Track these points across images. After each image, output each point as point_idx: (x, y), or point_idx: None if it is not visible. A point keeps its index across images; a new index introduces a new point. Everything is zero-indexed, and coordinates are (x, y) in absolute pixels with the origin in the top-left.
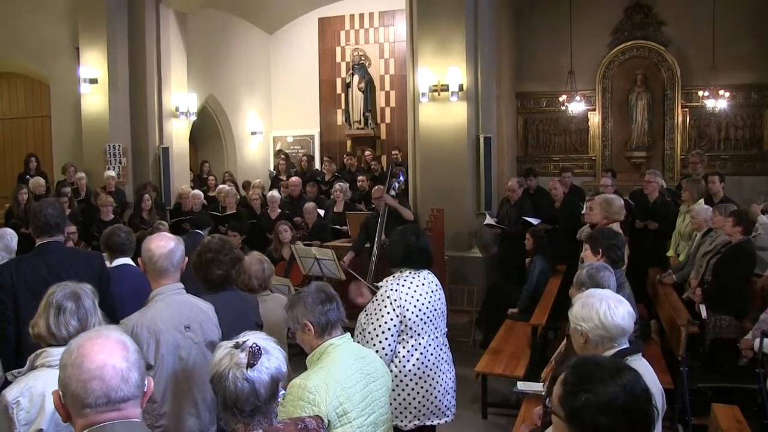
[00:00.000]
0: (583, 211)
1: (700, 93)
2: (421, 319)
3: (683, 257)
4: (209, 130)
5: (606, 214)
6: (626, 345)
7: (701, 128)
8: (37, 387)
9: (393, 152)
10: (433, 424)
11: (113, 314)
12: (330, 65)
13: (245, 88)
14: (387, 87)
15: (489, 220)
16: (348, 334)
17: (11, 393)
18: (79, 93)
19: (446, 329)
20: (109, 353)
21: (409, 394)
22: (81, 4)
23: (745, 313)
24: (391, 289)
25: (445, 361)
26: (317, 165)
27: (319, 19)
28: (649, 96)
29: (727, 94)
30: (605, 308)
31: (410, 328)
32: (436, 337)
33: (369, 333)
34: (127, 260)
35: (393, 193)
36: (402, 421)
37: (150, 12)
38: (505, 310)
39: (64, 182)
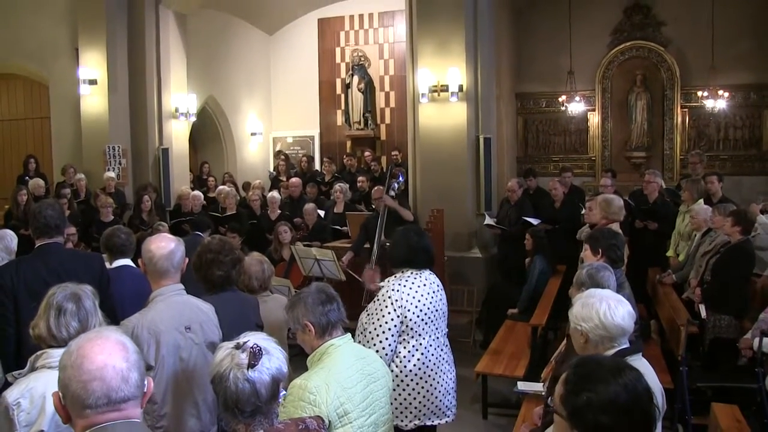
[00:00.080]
0: (583, 212)
1: (700, 93)
2: (422, 320)
3: (683, 257)
4: (209, 131)
5: (605, 214)
6: (626, 345)
7: (700, 128)
8: (37, 388)
9: (393, 153)
10: (433, 424)
11: (113, 315)
12: (330, 66)
13: (245, 89)
14: (387, 88)
15: (488, 220)
16: (348, 335)
17: (12, 394)
18: (79, 94)
19: (447, 329)
20: (109, 354)
21: (409, 394)
22: (80, 5)
23: (744, 312)
24: (393, 290)
25: (446, 361)
26: (317, 166)
27: (318, 19)
28: (648, 96)
29: (726, 95)
30: (605, 308)
31: (411, 329)
32: (437, 338)
33: (370, 333)
34: (127, 261)
35: (392, 193)
36: (402, 420)
37: (149, 13)
38: (505, 310)
39: (63, 183)
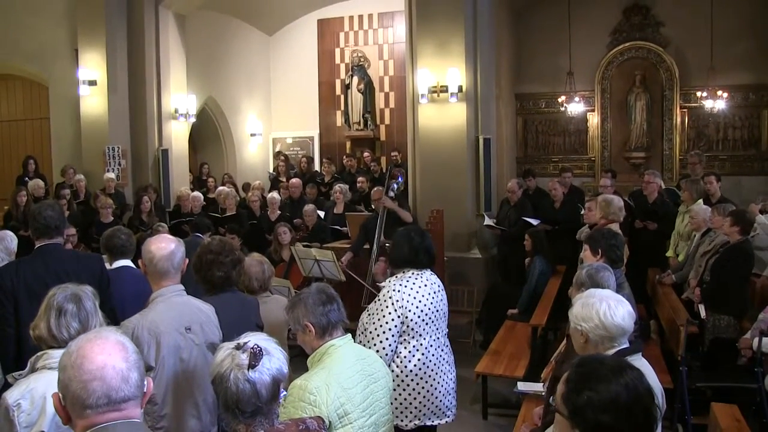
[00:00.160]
0: (582, 212)
1: (699, 93)
2: (423, 320)
3: (682, 257)
4: (209, 132)
5: (605, 214)
6: (626, 345)
7: (700, 129)
8: (38, 389)
9: (392, 153)
10: (433, 424)
11: (114, 316)
12: (329, 67)
13: (245, 89)
14: (386, 88)
15: (488, 221)
16: (349, 335)
17: (12, 395)
18: (78, 95)
19: (447, 330)
20: (109, 354)
21: (410, 394)
22: (80, 6)
23: (743, 312)
24: (394, 290)
25: (447, 361)
26: (317, 166)
27: (318, 20)
28: (647, 97)
29: (726, 95)
30: (605, 308)
31: (412, 329)
32: (438, 338)
33: (371, 333)
34: (127, 262)
35: (392, 194)
36: (402, 420)
37: (149, 14)
38: (505, 310)
39: (63, 184)
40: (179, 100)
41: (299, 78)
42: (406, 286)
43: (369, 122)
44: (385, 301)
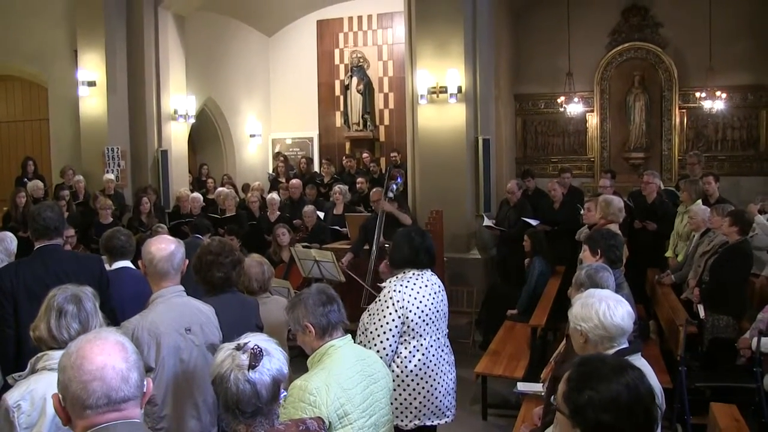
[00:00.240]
0: (582, 212)
1: (698, 94)
2: (423, 321)
3: (681, 257)
4: (208, 133)
5: (604, 214)
6: (625, 345)
7: (699, 129)
8: (38, 390)
9: (392, 154)
10: (433, 424)
11: (113, 317)
12: (329, 67)
13: (244, 90)
14: (386, 89)
15: (487, 221)
16: (349, 336)
17: (12, 396)
18: (78, 96)
19: (447, 330)
20: (109, 354)
21: (410, 395)
22: (79, 7)
23: (742, 312)
24: (394, 290)
25: (447, 362)
26: (316, 167)
27: (317, 21)
28: (646, 97)
29: (724, 95)
30: (605, 308)
31: (412, 329)
32: (438, 338)
33: (371, 333)
34: (127, 263)
35: (391, 194)
36: (402, 420)
37: (148, 15)
38: (505, 311)
39: (62, 185)
40: (178, 101)
41: (298, 79)
42: (406, 287)
43: (368, 123)
44: (385, 301)
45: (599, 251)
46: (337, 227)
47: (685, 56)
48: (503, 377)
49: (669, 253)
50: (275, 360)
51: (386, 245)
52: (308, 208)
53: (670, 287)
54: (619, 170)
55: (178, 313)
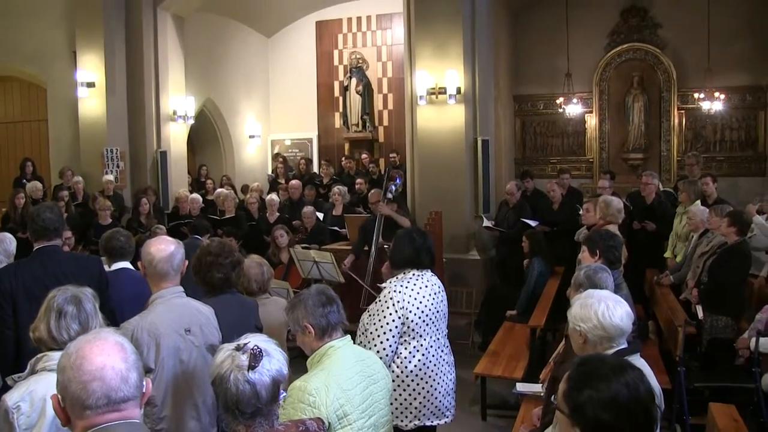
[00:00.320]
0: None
1: (696, 95)
2: (424, 321)
3: (680, 258)
4: (207, 134)
5: (603, 215)
6: (624, 345)
7: (697, 130)
8: (37, 391)
9: (391, 155)
10: (433, 424)
11: (113, 318)
12: (328, 68)
13: (243, 91)
14: (385, 90)
15: (487, 222)
16: (348, 337)
17: (12, 397)
18: (77, 97)
19: (447, 331)
20: (108, 355)
21: (410, 395)
22: (78, 8)
23: (741, 313)
24: (395, 291)
25: (446, 362)
26: (315, 168)
27: (316, 22)
28: (645, 98)
29: (723, 96)
30: (604, 309)
31: (412, 330)
32: (438, 339)
33: (371, 333)
34: (126, 264)
35: (390, 195)
36: (402, 421)
37: (147, 16)
38: (504, 312)
39: (61, 186)
40: (178, 102)
41: (298, 80)
42: (407, 287)
43: (367, 124)
44: (386, 301)
45: (598, 252)
46: (336, 228)
47: (683, 57)
48: (502, 378)
49: (668, 254)
50: (275, 361)
51: (385, 246)
52: (307, 209)
53: (669, 288)
54: (618, 171)
55: (177, 313)
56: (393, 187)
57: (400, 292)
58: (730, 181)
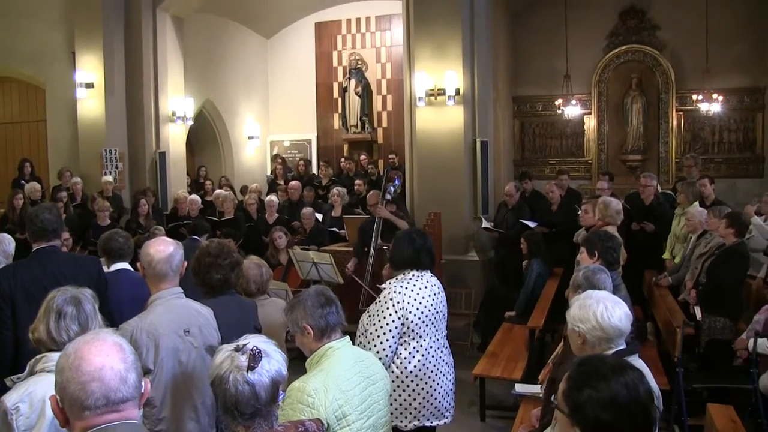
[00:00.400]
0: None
1: (694, 96)
2: (423, 322)
3: (678, 259)
4: (206, 135)
5: (602, 216)
6: (623, 346)
7: (695, 131)
8: (37, 392)
9: (390, 156)
10: (432, 425)
11: (112, 319)
12: (327, 69)
13: (242, 92)
14: (384, 91)
15: (486, 224)
16: (347, 338)
17: (11, 398)
18: (75, 97)
19: (446, 331)
20: (107, 355)
21: (410, 395)
22: (77, 8)
23: (739, 314)
24: (395, 291)
25: (446, 363)
26: (314, 169)
27: (315, 23)
28: (644, 99)
29: (721, 98)
30: (602, 309)
31: (412, 330)
32: (437, 339)
33: (371, 334)
34: (125, 265)
35: (389, 197)
36: (402, 421)
37: (146, 16)
38: (503, 313)
39: (59, 187)
40: (177, 103)
41: (297, 81)
42: (406, 288)
43: (366, 125)
44: (386, 302)
45: (596, 253)
46: (335, 229)
47: (682, 59)
48: (501, 379)
49: (666, 255)
50: (274, 361)
51: (384, 247)
52: (306, 210)
53: (668, 289)
54: (616, 172)
55: (176, 314)
56: (392, 188)
57: (400, 292)
58: (728, 183)
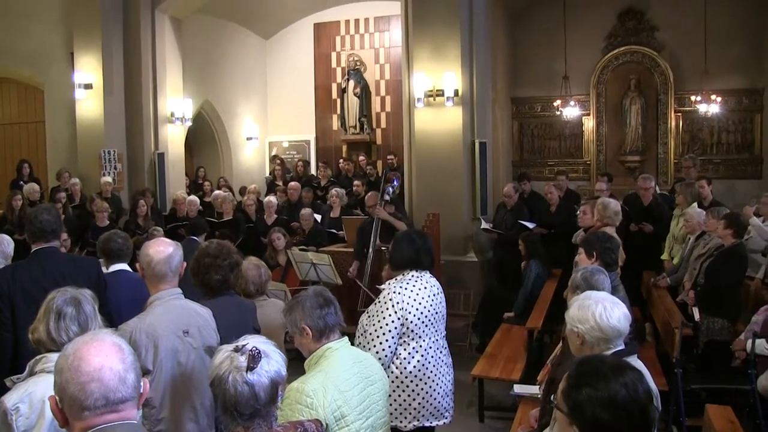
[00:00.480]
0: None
1: (693, 98)
2: (423, 322)
3: (677, 260)
4: (205, 136)
5: (601, 217)
6: (622, 346)
7: (694, 132)
8: (36, 393)
9: (388, 157)
10: (431, 425)
11: (111, 320)
12: (325, 70)
13: (241, 93)
14: (382, 92)
15: (485, 224)
16: (346, 338)
17: (10, 399)
18: (74, 98)
19: (445, 332)
20: (106, 356)
21: (409, 395)
22: (76, 9)
23: (737, 315)
24: (394, 292)
25: (445, 363)
26: (313, 170)
27: (314, 24)
28: (642, 101)
29: (719, 99)
30: (601, 310)
31: (412, 331)
32: (437, 340)
33: (370, 334)
34: (124, 266)
35: (387, 197)
36: (402, 421)
37: (145, 17)
38: (501, 314)
39: (58, 188)
40: (175, 104)
41: (295, 82)
42: (406, 288)
43: (365, 126)
44: (385, 302)
45: (595, 254)
46: (333, 230)
47: (680, 60)
48: (500, 380)
49: (665, 256)
50: (273, 362)
51: (383, 248)
52: (305, 211)
53: (666, 290)
54: (615, 173)
55: (175, 315)
56: (390, 189)
57: (399, 293)
58: (726, 184)
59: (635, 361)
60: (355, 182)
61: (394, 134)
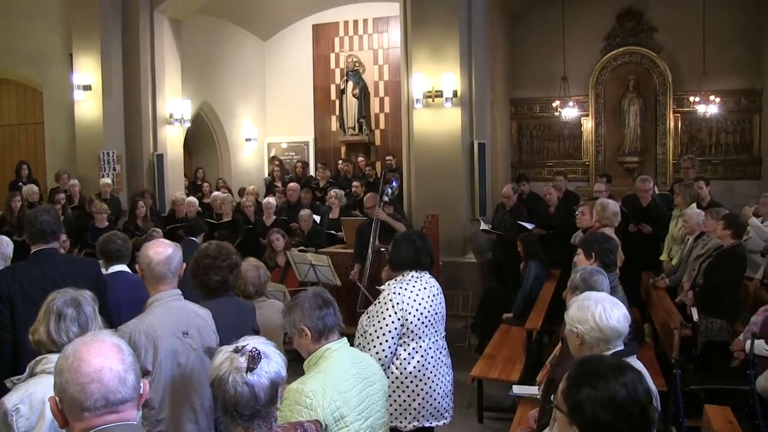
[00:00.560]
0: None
1: (692, 98)
2: (423, 323)
3: (676, 261)
4: (204, 137)
5: (599, 217)
6: (621, 347)
7: (693, 133)
8: (37, 394)
9: (387, 158)
10: (431, 425)
11: (110, 321)
12: (324, 72)
13: (240, 94)
14: (381, 93)
15: (484, 225)
16: (345, 339)
17: (11, 400)
18: (73, 99)
19: (445, 332)
20: (106, 356)
21: (409, 396)
22: (75, 10)
23: (736, 315)
24: (394, 293)
25: (445, 364)
26: (311, 171)
27: (313, 25)
28: (641, 101)
29: (718, 100)
30: (601, 310)
31: (412, 331)
32: (436, 341)
33: (370, 335)
34: (123, 267)
35: (386, 198)
36: (401, 422)
37: (144, 18)
38: (500, 314)
39: (57, 189)
40: (174, 105)
41: (294, 83)
42: (406, 289)
43: (364, 127)
44: (385, 303)
45: (594, 255)
46: (332, 231)
47: (679, 61)
48: (499, 380)
49: (664, 257)
50: (273, 363)
51: (382, 249)
52: (304, 212)
53: (665, 290)
54: (613, 174)
55: (175, 316)
56: (389, 190)
57: (399, 293)
58: (725, 184)
59: (634, 362)
60: (354, 183)
61: (393, 135)
